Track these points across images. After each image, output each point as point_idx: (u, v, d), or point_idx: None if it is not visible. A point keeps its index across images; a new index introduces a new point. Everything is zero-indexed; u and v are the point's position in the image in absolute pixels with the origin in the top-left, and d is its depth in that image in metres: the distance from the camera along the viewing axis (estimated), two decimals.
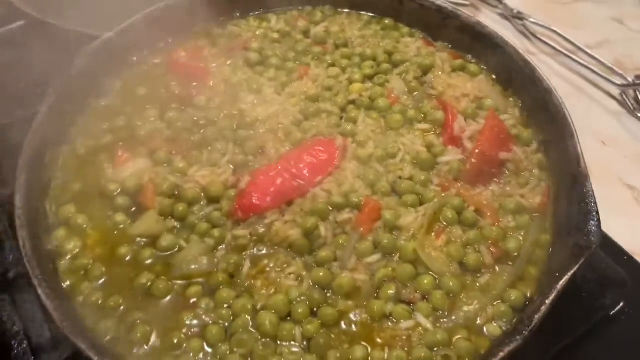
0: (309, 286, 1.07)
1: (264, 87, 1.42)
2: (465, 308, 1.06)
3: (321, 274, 1.08)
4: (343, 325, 1.04)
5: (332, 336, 1.02)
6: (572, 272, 1.00)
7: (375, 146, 1.28)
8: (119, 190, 1.21)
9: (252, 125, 1.33)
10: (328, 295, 1.07)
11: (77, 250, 1.12)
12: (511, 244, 1.14)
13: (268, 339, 1.01)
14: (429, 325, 1.03)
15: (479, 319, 1.05)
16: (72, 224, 1.16)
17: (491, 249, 1.13)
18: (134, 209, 1.19)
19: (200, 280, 1.09)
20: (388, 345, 1.01)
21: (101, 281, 1.09)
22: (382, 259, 1.11)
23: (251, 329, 1.02)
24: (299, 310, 1.03)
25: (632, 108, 1.79)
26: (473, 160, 1.24)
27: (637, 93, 1.80)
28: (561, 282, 0.98)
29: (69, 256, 1.11)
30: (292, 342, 1.01)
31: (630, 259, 1.39)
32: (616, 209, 1.48)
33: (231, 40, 1.57)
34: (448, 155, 1.27)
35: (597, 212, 1.08)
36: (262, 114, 1.35)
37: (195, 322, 1.03)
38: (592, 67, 1.87)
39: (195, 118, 1.34)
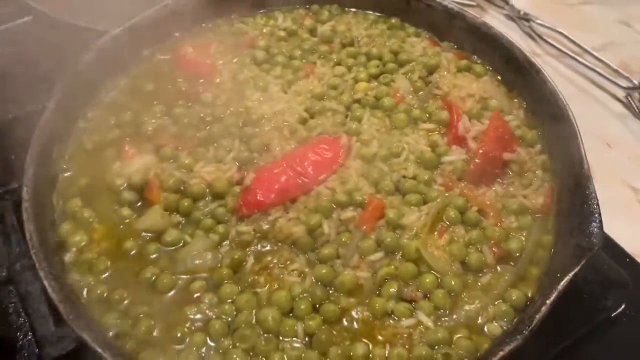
0: (311, 283, 1.08)
1: (270, 85, 1.43)
2: (467, 307, 1.07)
3: (324, 270, 1.09)
4: (345, 322, 1.05)
5: (334, 333, 1.03)
6: (573, 272, 1.00)
7: (380, 145, 1.29)
8: (125, 185, 1.22)
9: (258, 122, 1.34)
10: (330, 292, 1.08)
11: (83, 243, 1.14)
12: (513, 244, 1.15)
13: (270, 335, 1.02)
14: (430, 324, 1.04)
15: (480, 318, 1.06)
16: (79, 218, 1.17)
17: (493, 248, 1.13)
18: (139, 203, 1.20)
19: (204, 275, 1.10)
20: (389, 342, 1.02)
21: (106, 274, 1.10)
22: (385, 257, 1.12)
23: (254, 324, 1.03)
24: (301, 307, 1.04)
25: (637, 110, 1.79)
26: (477, 160, 1.25)
27: None
28: (562, 283, 0.99)
29: (74, 249, 1.13)
30: (294, 338, 1.02)
31: (633, 260, 1.39)
32: (619, 210, 1.48)
33: (238, 38, 1.58)
34: (452, 155, 1.27)
35: (599, 214, 1.08)
36: (267, 112, 1.36)
37: (198, 316, 1.04)
38: (597, 70, 1.87)
39: (202, 114, 1.35)
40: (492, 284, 1.10)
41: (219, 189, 1.20)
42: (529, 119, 1.39)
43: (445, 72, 1.47)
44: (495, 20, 2.13)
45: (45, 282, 0.98)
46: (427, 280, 1.08)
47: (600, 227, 1.06)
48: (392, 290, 1.07)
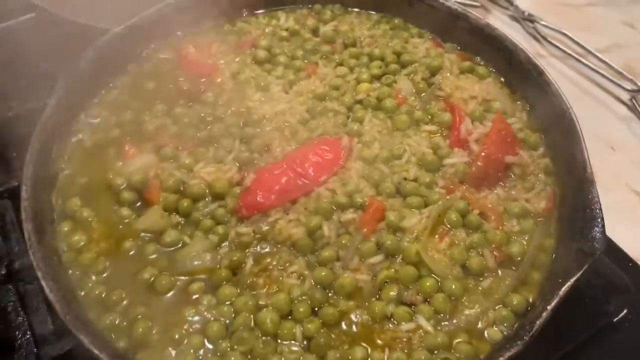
0: (310, 285, 1.07)
1: (272, 85, 1.42)
2: (467, 311, 1.06)
3: (323, 273, 1.08)
4: (344, 326, 1.04)
5: (333, 336, 1.02)
6: (575, 278, 1.00)
7: (381, 147, 1.28)
8: (124, 185, 1.21)
9: (259, 122, 1.33)
10: (329, 295, 1.07)
11: (82, 243, 1.13)
12: (515, 248, 1.14)
13: (268, 337, 1.01)
14: (429, 328, 1.03)
15: (480, 322, 1.05)
16: (78, 217, 1.17)
17: (494, 252, 1.13)
18: (139, 203, 1.20)
19: (202, 276, 1.09)
20: (388, 346, 1.01)
21: (105, 275, 1.10)
22: (385, 260, 1.11)
23: (252, 327, 1.02)
24: (300, 309, 1.04)
25: None
26: (479, 163, 1.24)
27: None
28: (563, 288, 0.98)
29: (73, 249, 1.12)
30: (293, 341, 1.01)
31: (635, 265, 1.38)
32: (622, 215, 1.47)
33: (240, 37, 1.57)
34: (454, 158, 1.26)
35: (602, 219, 1.07)
36: (269, 112, 1.35)
37: (196, 318, 1.03)
38: (602, 72, 1.86)
39: (203, 114, 1.35)
40: (492, 288, 1.09)
41: (219, 190, 1.19)
42: (532, 121, 1.38)
43: (448, 74, 1.46)
44: (499, 21, 2.12)
45: (43, 282, 0.98)
46: (428, 283, 1.08)
47: (603, 232, 1.06)
48: (392, 293, 1.06)
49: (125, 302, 1.05)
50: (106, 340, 0.98)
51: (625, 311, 1.26)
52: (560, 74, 1.92)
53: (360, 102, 1.40)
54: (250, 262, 1.11)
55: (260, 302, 1.05)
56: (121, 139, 1.30)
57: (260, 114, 1.35)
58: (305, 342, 1.01)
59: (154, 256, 1.12)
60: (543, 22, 2.03)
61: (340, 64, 1.51)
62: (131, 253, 1.13)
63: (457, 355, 1.00)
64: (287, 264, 1.10)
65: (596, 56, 1.89)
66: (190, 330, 1.02)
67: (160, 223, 1.16)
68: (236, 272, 1.10)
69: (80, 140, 1.30)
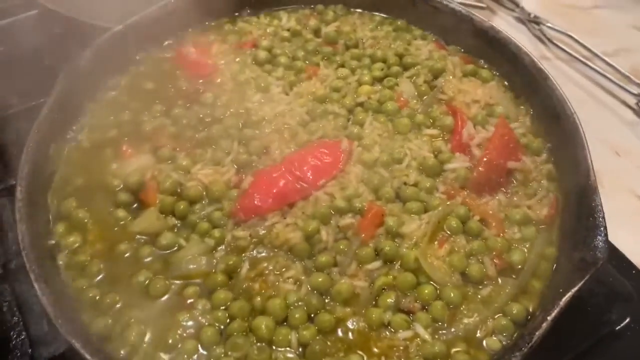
0: (307, 291, 1.06)
1: (272, 86, 1.41)
2: (466, 320, 1.04)
3: (320, 279, 1.07)
4: (340, 333, 1.02)
5: (328, 343, 1.01)
6: (576, 288, 0.98)
7: (381, 150, 1.26)
8: (121, 186, 1.20)
9: (258, 124, 1.32)
10: (326, 301, 1.06)
11: (77, 245, 1.12)
12: (515, 256, 1.12)
13: (263, 344, 1.00)
14: (427, 336, 1.01)
15: (478, 331, 1.03)
16: (73, 218, 1.16)
17: (495, 260, 1.11)
18: (135, 205, 1.19)
19: (197, 280, 1.08)
20: (385, 355, 1.00)
21: (99, 277, 1.09)
22: (383, 267, 1.10)
23: (247, 333, 1.01)
24: (296, 315, 1.02)
25: None
26: (480, 168, 1.22)
27: None
28: (564, 299, 0.96)
29: (68, 251, 1.11)
30: (288, 348, 1.00)
31: (639, 273, 1.35)
32: (626, 221, 1.45)
33: (241, 37, 1.56)
34: (455, 163, 1.25)
35: (605, 227, 1.05)
36: (268, 113, 1.34)
37: (190, 323, 1.02)
38: (608, 75, 1.84)
39: (201, 115, 1.34)
40: (492, 296, 1.07)
41: (216, 192, 1.18)
42: (535, 126, 1.36)
43: (451, 77, 1.44)
44: (505, 23, 2.10)
45: (36, 285, 0.97)
46: (426, 291, 1.06)
47: (606, 241, 1.04)
48: (390, 300, 1.05)
49: (119, 305, 1.04)
50: (98, 344, 0.97)
51: (627, 320, 1.25)
52: (565, 77, 1.90)
53: (361, 104, 1.38)
54: (246, 266, 1.09)
55: (255, 308, 1.03)
56: (119, 139, 1.29)
57: (260, 116, 1.33)
58: (300, 349, 1.00)
59: (149, 259, 1.11)
60: (549, 24, 2.00)
61: (342, 65, 1.49)
62: (126, 255, 1.11)
63: None
64: (284, 269, 1.09)
65: (603, 59, 1.87)
66: (184, 335, 1.01)
67: (156, 225, 1.15)
68: (232, 277, 1.09)
69: (77, 140, 1.29)
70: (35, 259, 1.01)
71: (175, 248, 1.12)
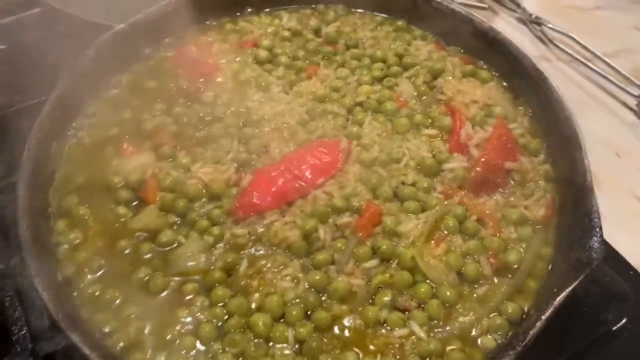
0: (304, 288, 1.07)
1: (272, 86, 1.42)
2: (461, 319, 1.05)
3: (317, 276, 1.07)
4: (336, 330, 1.03)
5: (325, 340, 1.01)
6: (570, 287, 0.99)
7: (380, 150, 1.27)
8: (122, 183, 1.22)
9: (258, 123, 1.33)
10: (323, 298, 1.07)
11: (78, 241, 1.13)
12: (511, 256, 1.12)
13: (260, 340, 1.01)
14: (422, 335, 1.02)
15: (474, 330, 1.04)
16: (74, 215, 1.17)
17: (491, 259, 1.12)
18: (135, 202, 1.20)
19: (196, 277, 1.09)
20: (380, 352, 1.01)
21: (99, 273, 1.10)
22: (380, 265, 1.11)
23: (244, 329, 1.02)
24: (293, 313, 1.03)
25: None
26: (478, 168, 1.23)
27: None
28: (559, 298, 0.97)
29: (68, 247, 1.12)
30: (285, 344, 1.01)
31: (636, 273, 1.35)
32: (625, 222, 1.45)
33: (242, 37, 1.57)
34: (453, 163, 1.25)
35: (601, 228, 1.06)
36: (268, 113, 1.35)
37: (189, 319, 1.03)
38: (609, 77, 1.83)
39: (202, 114, 1.35)
40: (488, 295, 1.08)
41: (216, 190, 1.19)
42: (533, 127, 1.36)
43: (450, 77, 1.45)
44: (507, 24, 2.09)
45: (36, 280, 0.98)
46: (422, 289, 1.07)
47: (601, 242, 1.04)
48: (386, 298, 1.06)
49: (118, 301, 1.05)
50: (98, 340, 0.98)
51: (624, 320, 1.24)
52: (566, 78, 1.89)
53: (360, 104, 1.39)
54: (244, 263, 1.10)
55: (253, 305, 1.04)
56: (120, 137, 1.30)
57: (260, 115, 1.34)
58: (297, 346, 1.01)
59: (148, 256, 1.12)
60: (550, 25, 2.00)
61: (342, 65, 1.50)
62: (126, 252, 1.13)
63: None
64: (282, 267, 1.10)
65: (603, 60, 1.87)
66: (183, 331, 1.02)
67: (157, 222, 1.16)
68: (230, 274, 1.09)
69: (79, 138, 1.30)
70: (37, 255, 1.02)
71: (175, 245, 1.13)
